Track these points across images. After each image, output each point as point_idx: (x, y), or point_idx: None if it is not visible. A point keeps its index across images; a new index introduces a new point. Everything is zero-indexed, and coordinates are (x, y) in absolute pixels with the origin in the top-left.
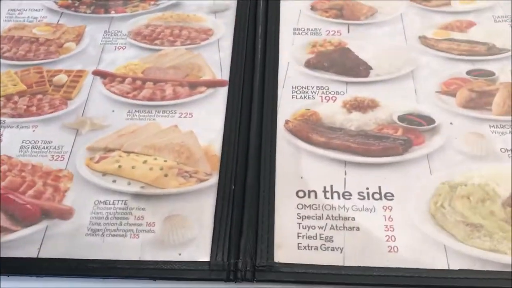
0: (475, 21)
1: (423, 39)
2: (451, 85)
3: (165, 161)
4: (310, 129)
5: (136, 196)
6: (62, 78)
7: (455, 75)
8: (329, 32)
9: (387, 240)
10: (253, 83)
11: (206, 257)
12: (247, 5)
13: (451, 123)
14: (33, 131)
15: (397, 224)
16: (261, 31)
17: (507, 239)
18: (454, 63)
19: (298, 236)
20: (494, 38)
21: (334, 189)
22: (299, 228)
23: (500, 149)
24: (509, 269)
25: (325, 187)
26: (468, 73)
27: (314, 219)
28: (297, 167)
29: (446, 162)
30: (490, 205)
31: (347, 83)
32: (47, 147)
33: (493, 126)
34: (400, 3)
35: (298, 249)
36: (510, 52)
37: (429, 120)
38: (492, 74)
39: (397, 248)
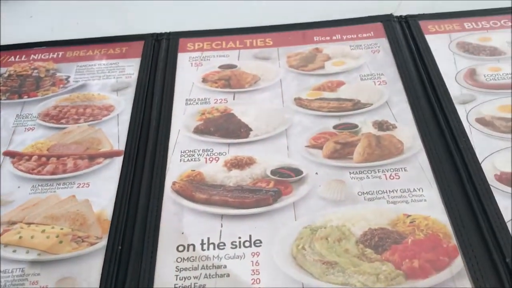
0: (344, 81)
1: (298, 100)
2: (319, 139)
3: (61, 229)
4: (194, 188)
5: (33, 263)
6: None
7: (323, 130)
8: (217, 100)
9: (252, 283)
10: (146, 150)
11: None
12: (146, 82)
13: (316, 173)
14: None
15: (262, 267)
16: (157, 103)
17: (357, 273)
18: (323, 119)
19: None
20: (359, 95)
21: (210, 241)
22: (176, 279)
23: (358, 193)
24: None
25: (202, 240)
26: (335, 127)
27: (190, 270)
28: (179, 224)
29: (309, 208)
30: (345, 243)
31: (229, 144)
32: None
33: (353, 172)
34: (280, 70)
35: None
36: (372, 106)
37: (297, 172)
38: (356, 126)
39: None
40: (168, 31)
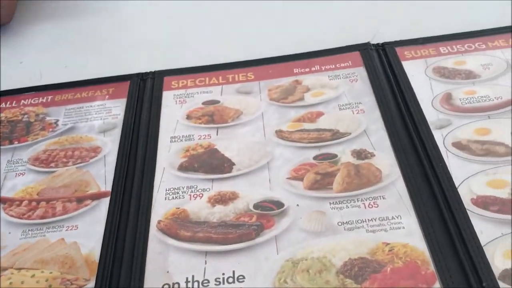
0: (324, 111)
1: (279, 133)
2: (300, 170)
3: (51, 272)
4: (178, 226)
5: None
6: None
7: (304, 161)
8: (201, 136)
9: None
10: (132, 190)
11: None
12: (131, 121)
13: (297, 205)
14: None
15: None
16: (143, 142)
17: None
18: (304, 150)
19: None
20: (338, 125)
21: (195, 279)
22: None
23: (338, 223)
24: None
25: (187, 278)
26: (315, 158)
27: None
28: (164, 263)
29: (291, 241)
30: (326, 275)
31: (212, 180)
32: None
33: (333, 202)
34: (262, 103)
35: None
36: (350, 135)
37: (279, 205)
38: (335, 156)
39: None
40: (154, 70)
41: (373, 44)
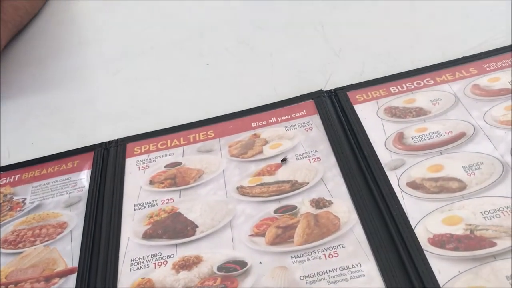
0: (282, 163)
1: (240, 189)
2: (261, 226)
3: None
4: None
5: None
6: None
7: (265, 216)
8: (164, 201)
9: None
10: (98, 264)
11: None
12: (96, 193)
13: (260, 262)
14: None
15: None
16: (107, 213)
17: None
18: (265, 205)
19: None
20: (296, 175)
21: None
22: None
23: (300, 277)
24: None
25: None
26: (275, 211)
27: None
28: None
29: None
30: None
31: (176, 245)
32: None
33: (294, 256)
34: (222, 160)
35: None
36: (308, 185)
37: (242, 264)
38: (295, 207)
39: None
40: (117, 137)
41: (325, 91)
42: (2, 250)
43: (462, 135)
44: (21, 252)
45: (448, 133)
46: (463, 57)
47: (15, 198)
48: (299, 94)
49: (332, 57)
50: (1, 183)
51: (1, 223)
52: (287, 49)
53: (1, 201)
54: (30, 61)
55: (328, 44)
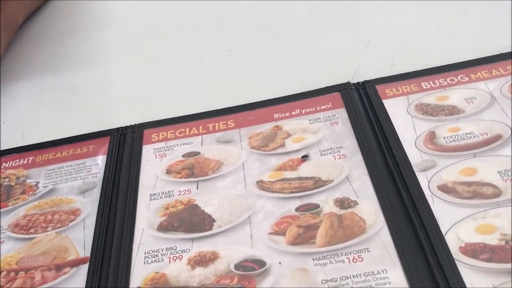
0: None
1: (260, 183)
2: (282, 224)
3: None
4: None
5: None
6: None
7: (286, 214)
8: (180, 192)
9: None
10: (110, 256)
11: None
12: (111, 180)
13: (280, 263)
14: None
15: None
16: (122, 202)
17: None
18: (285, 202)
19: None
20: (320, 172)
21: None
22: None
23: (321, 281)
24: None
25: None
26: (297, 209)
27: None
28: None
29: None
30: None
31: (192, 239)
32: None
33: (316, 258)
34: (242, 152)
35: None
36: (333, 183)
37: (261, 263)
38: (318, 206)
39: None
40: (134, 123)
41: (353, 84)
42: (14, 235)
43: (498, 137)
44: (33, 238)
45: (482, 135)
46: (501, 53)
47: (28, 181)
48: (324, 86)
49: (360, 47)
50: (14, 165)
51: (13, 206)
52: (313, 37)
53: (14, 184)
54: (46, 40)
55: (357, 34)
